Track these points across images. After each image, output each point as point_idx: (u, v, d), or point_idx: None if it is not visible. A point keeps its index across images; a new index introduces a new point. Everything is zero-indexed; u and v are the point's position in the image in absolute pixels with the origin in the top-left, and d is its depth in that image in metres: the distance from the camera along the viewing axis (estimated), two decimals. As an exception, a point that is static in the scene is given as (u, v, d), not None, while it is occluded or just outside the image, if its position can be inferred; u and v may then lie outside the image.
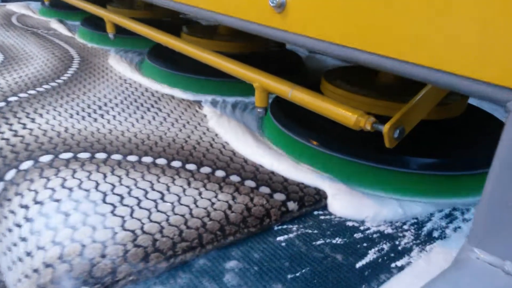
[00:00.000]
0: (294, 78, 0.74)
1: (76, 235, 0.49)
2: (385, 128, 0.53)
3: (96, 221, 0.51)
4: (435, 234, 0.56)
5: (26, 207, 0.54)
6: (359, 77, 0.78)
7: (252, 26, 0.59)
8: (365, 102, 0.68)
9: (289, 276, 0.47)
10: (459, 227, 0.58)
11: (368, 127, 0.55)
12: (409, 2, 0.41)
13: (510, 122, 0.33)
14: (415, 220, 0.59)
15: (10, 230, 0.53)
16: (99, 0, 1.41)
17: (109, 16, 1.20)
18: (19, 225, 0.52)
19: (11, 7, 1.94)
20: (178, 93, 0.98)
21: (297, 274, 0.47)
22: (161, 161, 0.67)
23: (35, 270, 0.45)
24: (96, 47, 1.35)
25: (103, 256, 0.46)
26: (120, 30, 1.23)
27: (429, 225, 0.58)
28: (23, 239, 0.50)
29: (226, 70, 0.80)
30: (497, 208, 0.34)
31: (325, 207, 0.60)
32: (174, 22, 1.45)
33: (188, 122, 0.83)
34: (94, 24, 1.44)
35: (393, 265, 0.50)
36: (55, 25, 1.64)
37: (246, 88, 0.85)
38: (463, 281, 0.32)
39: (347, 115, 0.57)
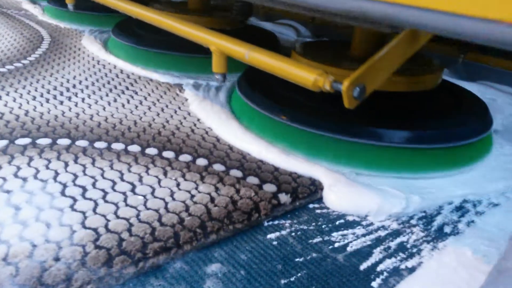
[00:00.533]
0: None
1: (26, 233, 0.41)
2: (343, 86, 0.47)
3: (51, 217, 0.43)
4: (447, 229, 0.49)
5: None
6: (328, 51, 0.73)
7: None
8: (332, 72, 0.62)
9: (282, 282, 0.39)
10: (473, 221, 0.51)
11: (327, 87, 0.49)
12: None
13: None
14: (423, 214, 0.52)
15: None
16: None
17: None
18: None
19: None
20: (156, 75, 0.89)
21: (292, 279, 0.39)
22: (134, 148, 0.59)
23: None
24: (69, 27, 1.25)
25: (56, 259, 0.37)
26: (94, 7, 1.14)
27: (439, 219, 0.51)
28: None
29: (182, 33, 0.72)
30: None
31: (321, 200, 0.53)
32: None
33: (167, 106, 0.74)
34: (60, 1, 1.33)
35: (402, 266, 0.43)
36: (26, 5, 1.53)
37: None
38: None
39: (305, 75, 0.50)
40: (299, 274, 0.40)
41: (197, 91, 0.82)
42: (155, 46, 0.94)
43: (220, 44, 0.64)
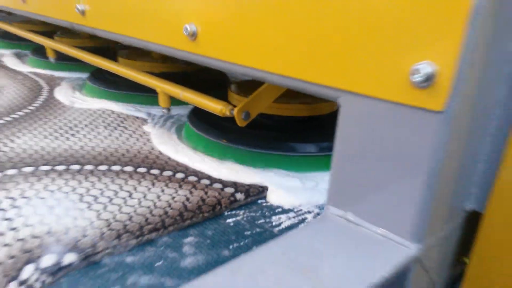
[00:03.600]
0: (219, 90, 0.98)
1: (60, 221, 0.60)
2: (234, 112, 0.75)
3: (75, 213, 0.62)
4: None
5: (12, 198, 0.64)
6: (251, 87, 0.94)
7: (173, 51, 0.72)
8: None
9: (235, 245, 0.59)
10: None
11: (228, 113, 0.76)
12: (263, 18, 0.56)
13: (341, 113, 0.47)
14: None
15: None
16: (48, 33, 1.58)
17: (48, 43, 1.39)
18: (4, 210, 0.62)
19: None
20: (130, 110, 1.11)
21: (241, 244, 0.59)
22: (129, 168, 0.79)
23: (21, 239, 0.55)
24: (54, 75, 1.49)
25: (84, 236, 0.57)
26: (68, 58, 1.39)
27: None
28: (8, 219, 0.60)
29: (139, 81, 0.98)
30: (339, 177, 0.48)
31: (266, 197, 0.73)
32: (112, 48, 1.61)
33: (141, 136, 0.95)
34: (43, 53, 1.56)
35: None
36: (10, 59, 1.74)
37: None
38: (320, 227, 0.46)
39: (215, 105, 0.78)
40: (246, 241, 0.60)
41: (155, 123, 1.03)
42: (123, 88, 1.21)
43: (162, 86, 0.91)
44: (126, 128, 1.00)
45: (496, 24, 0.38)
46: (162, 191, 0.70)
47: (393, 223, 0.44)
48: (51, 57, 1.44)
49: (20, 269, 0.50)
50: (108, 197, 0.67)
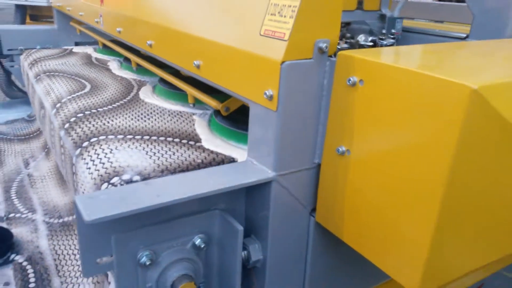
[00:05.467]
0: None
1: (134, 161, 1.10)
2: (219, 106, 1.20)
3: (142, 158, 1.12)
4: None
5: (110, 149, 1.16)
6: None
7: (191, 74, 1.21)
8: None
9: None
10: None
11: (219, 107, 1.21)
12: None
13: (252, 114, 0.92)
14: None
15: (93, 160, 1.15)
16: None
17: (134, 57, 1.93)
18: (106, 153, 1.13)
19: (86, 50, 2.69)
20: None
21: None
22: (176, 139, 1.28)
23: (113, 166, 1.05)
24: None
25: (145, 169, 1.06)
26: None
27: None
28: (107, 158, 1.11)
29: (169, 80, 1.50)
30: (253, 139, 0.93)
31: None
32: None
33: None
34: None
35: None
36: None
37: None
38: (232, 165, 0.92)
39: (212, 102, 1.23)
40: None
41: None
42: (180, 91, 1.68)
43: (184, 87, 1.40)
44: (180, 116, 1.51)
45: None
46: (189, 154, 1.19)
47: (264, 160, 0.89)
48: (134, 67, 2.01)
49: (111, 179, 1.01)
50: (161, 153, 1.17)
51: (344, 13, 1.06)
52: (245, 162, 0.98)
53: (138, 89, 1.86)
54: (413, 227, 0.73)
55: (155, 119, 1.46)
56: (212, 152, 1.19)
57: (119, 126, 1.36)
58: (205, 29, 1.09)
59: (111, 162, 1.10)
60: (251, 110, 0.94)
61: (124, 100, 1.68)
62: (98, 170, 1.09)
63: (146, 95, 1.78)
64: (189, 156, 1.17)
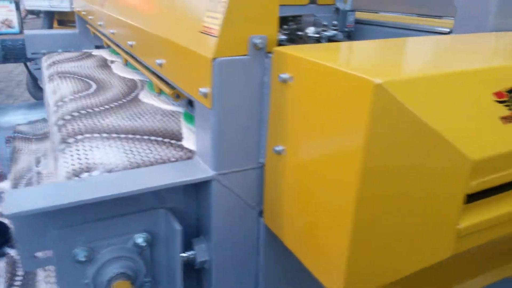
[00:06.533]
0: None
1: (110, 159, 1.12)
2: (171, 93, 1.18)
3: (118, 156, 1.14)
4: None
5: (91, 146, 1.19)
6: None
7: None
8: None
9: (178, 182, 1.05)
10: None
11: (171, 94, 1.21)
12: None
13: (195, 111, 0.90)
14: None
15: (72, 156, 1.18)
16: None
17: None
18: (85, 150, 1.16)
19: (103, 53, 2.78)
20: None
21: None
22: (158, 138, 1.29)
23: (87, 166, 1.08)
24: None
25: (117, 166, 1.08)
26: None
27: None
28: (86, 155, 1.13)
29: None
30: (198, 137, 0.91)
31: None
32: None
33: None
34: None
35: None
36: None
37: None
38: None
39: (167, 89, 1.24)
40: (186, 181, 1.06)
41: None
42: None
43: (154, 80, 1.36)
44: (171, 116, 1.52)
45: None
46: (166, 152, 1.20)
47: (206, 158, 0.88)
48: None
49: (80, 174, 1.04)
50: (138, 151, 1.18)
51: (297, 7, 1.03)
52: (192, 161, 0.98)
53: (141, 90, 1.90)
54: (334, 230, 0.69)
55: (146, 119, 1.48)
56: (190, 151, 1.19)
57: (108, 125, 1.39)
58: (164, 29, 1.09)
59: (87, 159, 1.13)
60: (195, 107, 0.93)
61: (124, 100, 1.72)
62: (74, 165, 1.12)
63: (146, 95, 1.81)
64: (165, 154, 1.17)
